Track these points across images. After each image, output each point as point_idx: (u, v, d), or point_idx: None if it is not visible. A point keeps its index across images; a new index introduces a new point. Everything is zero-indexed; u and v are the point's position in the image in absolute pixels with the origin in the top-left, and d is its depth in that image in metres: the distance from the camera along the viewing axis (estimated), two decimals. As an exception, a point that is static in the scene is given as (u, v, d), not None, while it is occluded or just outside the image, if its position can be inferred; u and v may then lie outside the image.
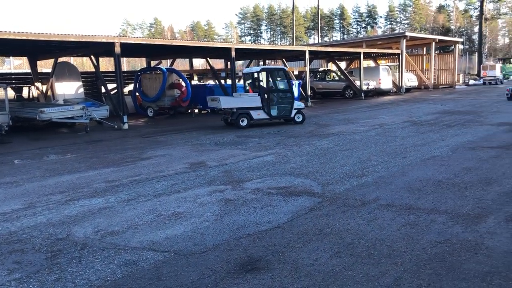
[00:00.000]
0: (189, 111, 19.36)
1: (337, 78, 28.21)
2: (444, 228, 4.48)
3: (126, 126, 14.74)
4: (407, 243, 4.15)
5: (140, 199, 5.98)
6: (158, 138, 12.23)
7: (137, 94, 19.79)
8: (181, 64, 39.29)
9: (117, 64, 14.56)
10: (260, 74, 13.96)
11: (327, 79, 28.69)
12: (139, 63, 50.05)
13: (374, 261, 3.78)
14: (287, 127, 13.43)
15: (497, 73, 39.00)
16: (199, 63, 38.63)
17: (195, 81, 25.31)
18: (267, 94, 13.78)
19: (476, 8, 61.58)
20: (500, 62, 53.52)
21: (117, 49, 14.11)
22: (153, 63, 23.54)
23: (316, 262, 3.80)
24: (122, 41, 14.46)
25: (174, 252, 4.12)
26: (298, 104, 14.41)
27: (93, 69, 18.69)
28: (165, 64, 25.92)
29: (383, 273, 3.56)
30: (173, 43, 17.77)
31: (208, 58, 20.98)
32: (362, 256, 3.89)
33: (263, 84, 13.90)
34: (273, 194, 6.01)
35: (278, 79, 14.37)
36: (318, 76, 29.14)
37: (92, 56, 16.97)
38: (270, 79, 14.03)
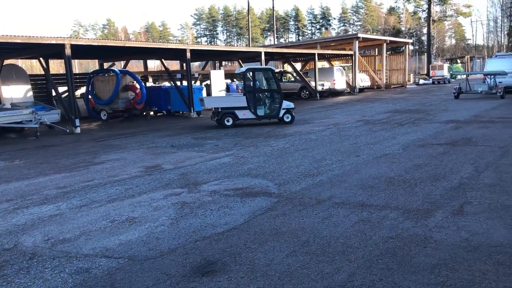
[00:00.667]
0: (144, 113, 19.03)
1: (293, 79, 28.56)
2: (396, 224, 4.63)
3: (78, 130, 14.30)
4: (360, 239, 4.25)
5: (93, 205, 5.81)
6: (111, 141, 11.95)
7: (89, 97, 19.26)
8: (135, 65, 38.61)
9: (68, 67, 14.11)
10: (246, 74, 13.90)
11: (283, 80, 28.95)
12: (92, 65, 48.74)
13: (329, 258, 3.85)
14: (245, 129, 13.45)
15: (445, 72, 40.79)
16: (154, 64, 38.07)
17: (150, 83, 24.91)
18: (253, 94, 13.73)
19: (424, 10, 63.84)
20: (448, 62, 56.00)
21: (68, 51, 13.66)
22: (106, 65, 22.98)
23: (272, 262, 3.82)
24: (73, 43, 14.01)
25: (128, 258, 4.03)
26: (287, 104, 14.15)
27: (43, 72, 18.00)
28: (118, 66, 25.35)
29: (337, 269, 3.63)
30: (126, 45, 17.38)
31: (163, 60, 20.70)
32: (317, 254, 3.95)
33: (250, 84, 13.84)
34: (230, 195, 6.00)
35: (265, 79, 14.32)
36: (275, 77, 29.36)
37: (41, 58, 16.37)
38: (256, 78, 13.95)
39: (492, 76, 20.92)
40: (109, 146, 11.04)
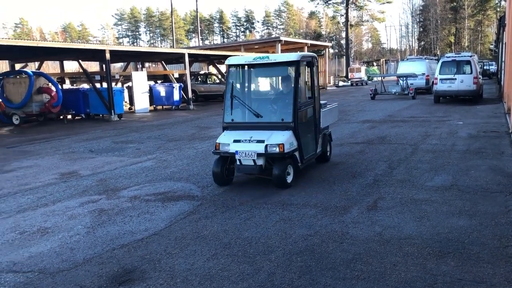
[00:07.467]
0: (61, 117, 18.05)
1: (218, 81, 28.51)
2: (314, 221, 4.75)
3: (-14, 136, 13.24)
4: (281, 238, 4.32)
5: (0, 216, 5.39)
6: (24, 148, 11.18)
7: (-1, 100, 17.93)
8: (52, 67, 36.57)
9: (-28, 67, 13.02)
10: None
11: (208, 82, 28.84)
12: (3, 66, 45.44)
13: (250, 259, 3.87)
14: (168, 131, 13.19)
15: (363, 75, 42.89)
16: (71, 66, 36.28)
17: (67, 85, 23.69)
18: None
19: (343, 15, 66.74)
20: (365, 65, 58.93)
21: (-29, 51, 12.61)
22: (18, 66, 21.49)
23: (193, 267, 3.76)
24: (-23, 42, 12.96)
25: (39, 272, 3.78)
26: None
27: None
28: (32, 67, 23.84)
29: (257, 270, 3.65)
30: (39, 45, 16.36)
31: (80, 61, 19.77)
32: (238, 255, 3.96)
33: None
34: (151, 200, 5.84)
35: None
36: (200, 79, 29.16)
37: None
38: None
39: (404, 78, 22.31)
40: (21, 153, 10.32)
